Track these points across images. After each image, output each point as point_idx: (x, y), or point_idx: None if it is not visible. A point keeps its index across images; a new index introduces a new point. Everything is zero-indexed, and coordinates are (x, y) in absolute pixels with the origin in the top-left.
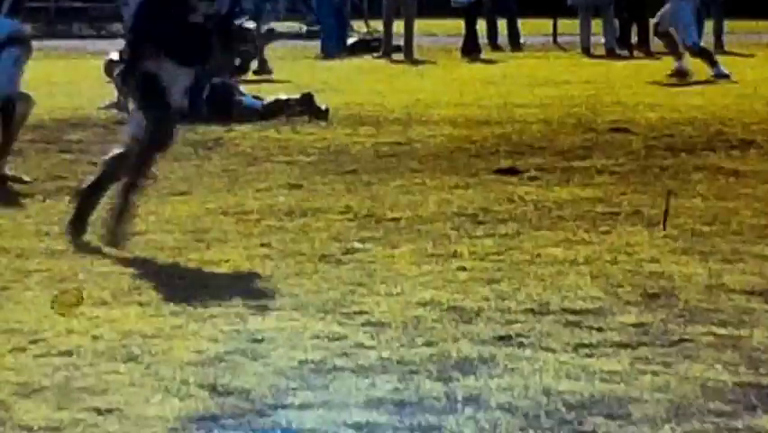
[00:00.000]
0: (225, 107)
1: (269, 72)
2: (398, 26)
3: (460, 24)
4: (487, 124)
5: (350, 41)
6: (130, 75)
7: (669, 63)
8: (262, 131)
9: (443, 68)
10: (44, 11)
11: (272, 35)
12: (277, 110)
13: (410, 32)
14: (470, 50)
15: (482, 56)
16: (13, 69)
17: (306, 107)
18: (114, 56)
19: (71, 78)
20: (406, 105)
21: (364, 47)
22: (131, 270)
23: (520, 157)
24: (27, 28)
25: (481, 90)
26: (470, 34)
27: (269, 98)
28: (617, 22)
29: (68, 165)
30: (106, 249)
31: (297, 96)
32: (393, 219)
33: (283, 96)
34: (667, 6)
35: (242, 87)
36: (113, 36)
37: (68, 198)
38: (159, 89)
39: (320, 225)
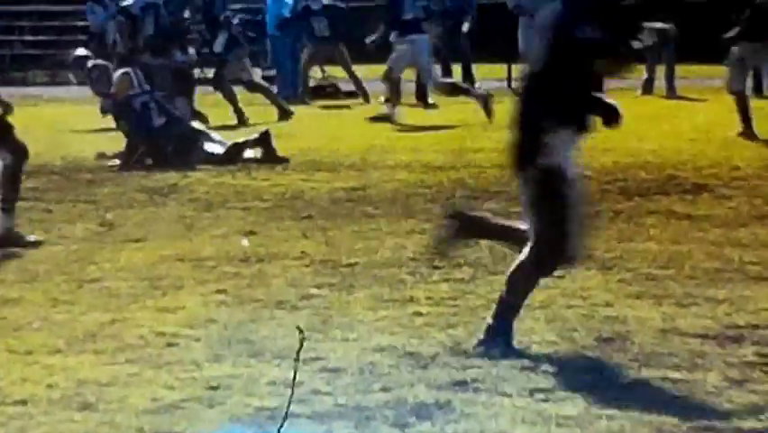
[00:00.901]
0: (190, 153)
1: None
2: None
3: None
4: (442, 169)
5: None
6: (527, 166)
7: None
8: (218, 177)
9: (400, 113)
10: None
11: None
12: (236, 154)
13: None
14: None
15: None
16: None
17: (263, 147)
18: (81, 51)
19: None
20: (361, 150)
21: (319, 93)
22: (85, 317)
23: (476, 202)
24: None
25: (438, 135)
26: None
27: (228, 143)
28: None
29: (22, 213)
30: (61, 297)
31: (255, 136)
32: (349, 265)
33: (241, 140)
34: None
35: (211, 132)
36: (67, 83)
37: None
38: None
39: (276, 270)
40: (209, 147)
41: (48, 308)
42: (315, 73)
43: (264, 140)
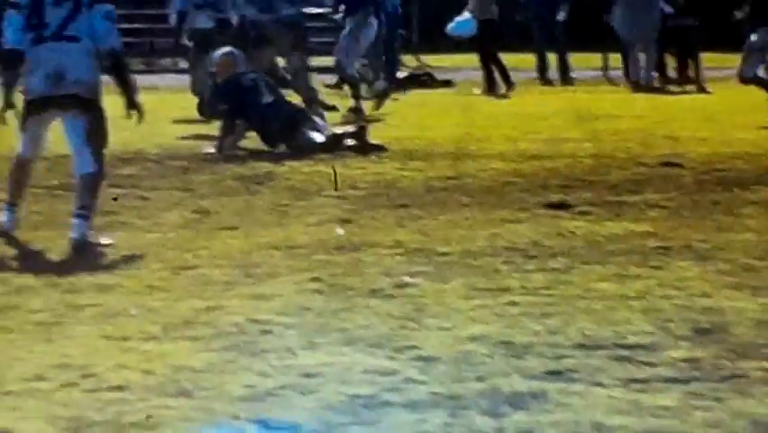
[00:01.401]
0: (293, 135)
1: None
2: (441, 60)
3: (515, 58)
4: (537, 159)
5: (400, 75)
6: None
7: (722, 96)
8: (313, 165)
9: (494, 102)
10: None
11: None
12: (335, 144)
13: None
14: (490, 87)
15: (500, 92)
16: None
17: (359, 140)
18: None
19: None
20: (456, 139)
21: (414, 81)
22: (181, 304)
23: (571, 191)
24: None
25: (532, 124)
26: (487, 70)
27: (330, 131)
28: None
29: (119, 200)
30: (157, 284)
31: (352, 129)
32: (443, 254)
33: (340, 130)
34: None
35: (317, 118)
36: (164, 71)
37: (119, 233)
38: None
39: (370, 259)
40: (311, 133)
41: (144, 295)
42: (410, 61)
43: (360, 134)
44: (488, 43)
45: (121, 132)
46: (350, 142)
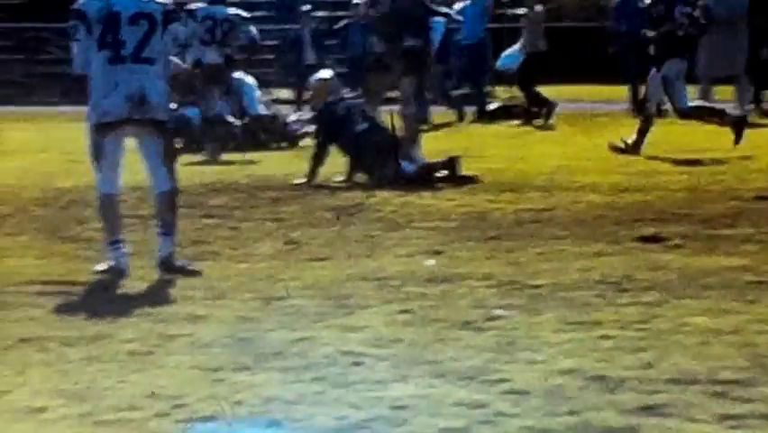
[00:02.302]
0: (386, 163)
1: None
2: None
3: (602, 90)
4: (630, 191)
5: (491, 106)
6: None
7: None
8: (403, 196)
9: (586, 134)
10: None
11: None
12: (426, 175)
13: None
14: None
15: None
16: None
17: (450, 172)
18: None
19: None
20: (547, 171)
21: (507, 113)
22: (272, 335)
23: (664, 224)
24: None
25: (625, 156)
26: (533, 99)
27: (423, 162)
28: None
29: (210, 230)
30: (248, 314)
31: (444, 160)
32: (535, 286)
33: (431, 161)
34: None
35: (411, 148)
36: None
37: (209, 263)
38: None
39: (461, 291)
40: (403, 163)
41: (235, 326)
42: (502, 93)
43: (452, 166)
44: (529, 75)
45: (212, 163)
46: (441, 173)
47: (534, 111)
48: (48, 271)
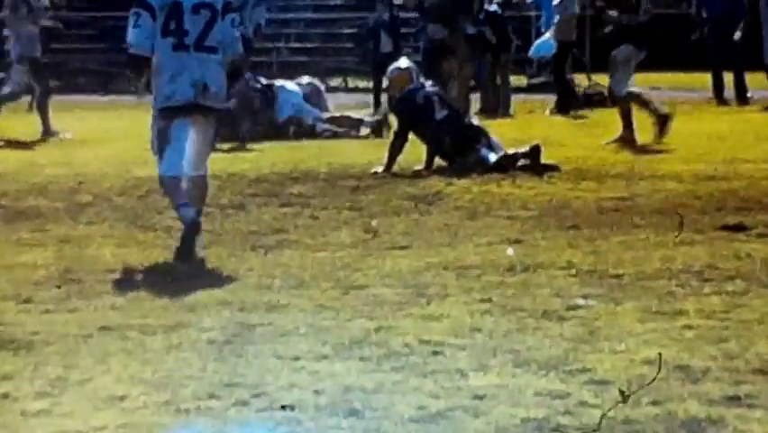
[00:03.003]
0: (466, 151)
1: None
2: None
3: (683, 78)
4: (713, 180)
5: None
6: None
7: None
8: (483, 185)
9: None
10: (267, 65)
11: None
12: (508, 165)
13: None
14: (565, 107)
15: (577, 112)
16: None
17: (533, 161)
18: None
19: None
20: (628, 159)
21: (588, 101)
22: (351, 324)
23: (748, 213)
24: None
25: (707, 145)
26: (563, 88)
27: (503, 151)
28: None
29: (289, 219)
30: (327, 303)
31: (526, 149)
32: (616, 275)
33: (511, 151)
34: None
35: (492, 137)
36: (335, 89)
37: (288, 252)
38: None
39: (541, 280)
40: (484, 151)
41: (314, 315)
42: (583, 81)
43: (534, 155)
44: (562, 64)
45: (289, 150)
46: (523, 162)
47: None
48: (127, 260)
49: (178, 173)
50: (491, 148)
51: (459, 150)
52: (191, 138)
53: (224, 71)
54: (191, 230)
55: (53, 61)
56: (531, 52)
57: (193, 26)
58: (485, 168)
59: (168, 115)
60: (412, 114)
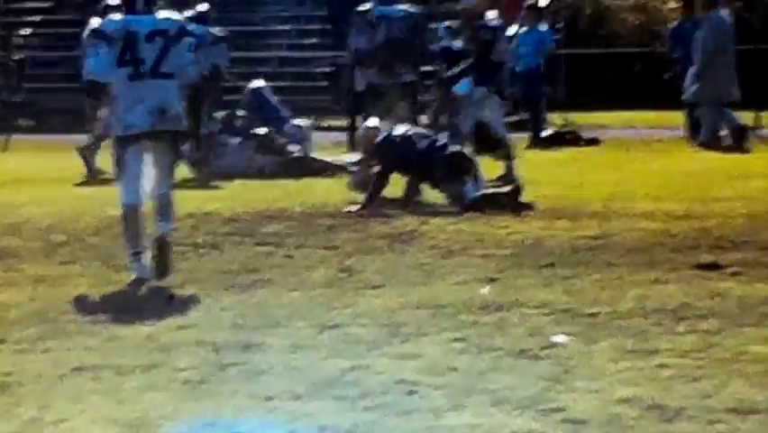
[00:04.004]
0: (454, 180)
1: None
2: (588, 118)
3: (661, 116)
4: (686, 218)
5: (544, 133)
6: None
7: None
8: (457, 223)
9: (641, 161)
10: (237, 103)
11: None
12: (488, 204)
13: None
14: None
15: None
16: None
17: (512, 201)
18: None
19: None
20: (603, 197)
21: (559, 139)
22: (326, 363)
23: (722, 252)
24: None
25: (680, 183)
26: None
27: (487, 189)
28: None
29: (263, 258)
30: (302, 342)
31: (506, 189)
32: (591, 314)
33: (491, 190)
34: None
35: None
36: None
37: (263, 291)
38: None
39: (516, 319)
40: (469, 186)
41: (289, 354)
42: (556, 119)
43: (514, 195)
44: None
45: (264, 190)
46: (504, 201)
47: (591, 139)
48: (102, 300)
49: (137, 201)
50: (477, 183)
51: (447, 177)
52: (151, 161)
53: (180, 95)
54: (139, 284)
55: (27, 101)
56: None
57: (148, 54)
58: (464, 203)
59: (125, 144)
60: (394, 154)
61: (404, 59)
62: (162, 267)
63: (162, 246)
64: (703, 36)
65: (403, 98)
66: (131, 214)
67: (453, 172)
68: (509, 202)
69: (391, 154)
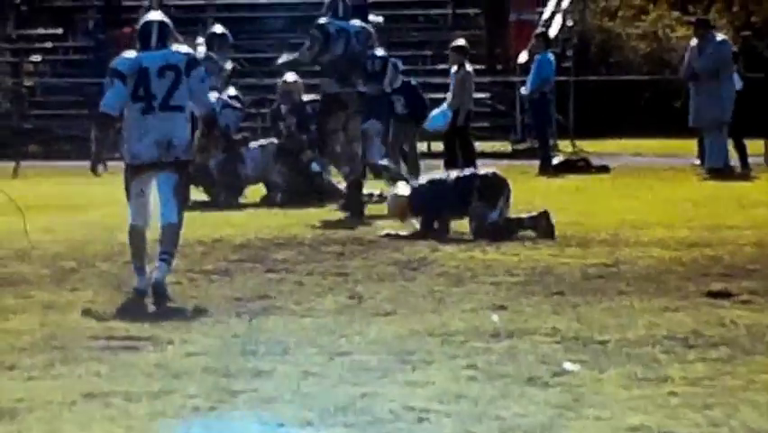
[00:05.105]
0: (463, 208)
1: None
2: (597, 146)
3: (669, 144)
4: (697, 246)
5: (555, 160)
6: None
7: None
8: (468, 251)
9: (651, 188)
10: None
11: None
12: (512, 229)
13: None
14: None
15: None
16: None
17: (540, 226)
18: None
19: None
20: (613, 225)
21: (569, 167)
22: (336, 391)
23: (732, 280)
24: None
25: (691, 211)
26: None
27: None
28: None
29: (274, 284)
30: (312, 369)
31: (534, 213)
32: (601, 342)
33: (514, 216)
34: None
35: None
36: None
37: (273, 317)
38: None
39: (526, 346)
40: (496, 211)
41: (299, 381)
42: (567, 147)
43: (543, 219)
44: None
45: (274, 216)
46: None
47: (601, 166)
48: (111, 327)
49: (140, 223)
50: (506, 207)
51: (480, 198)
52: (158, 189)
53: (189, 123)
54: (138, 295)
55: (36, 127)
56: (426, 124)
57: (159, 89)
58: (485, 227)
59: (134, 171)
60: (431, 200)
61: (359, 71)
62: (161, 308)
63: (158, 292)
64: (703, 60)
65: (361, 109)
66: (135, 234)
67: (488, 194)
68: (538, 226)
69: (429, 203)
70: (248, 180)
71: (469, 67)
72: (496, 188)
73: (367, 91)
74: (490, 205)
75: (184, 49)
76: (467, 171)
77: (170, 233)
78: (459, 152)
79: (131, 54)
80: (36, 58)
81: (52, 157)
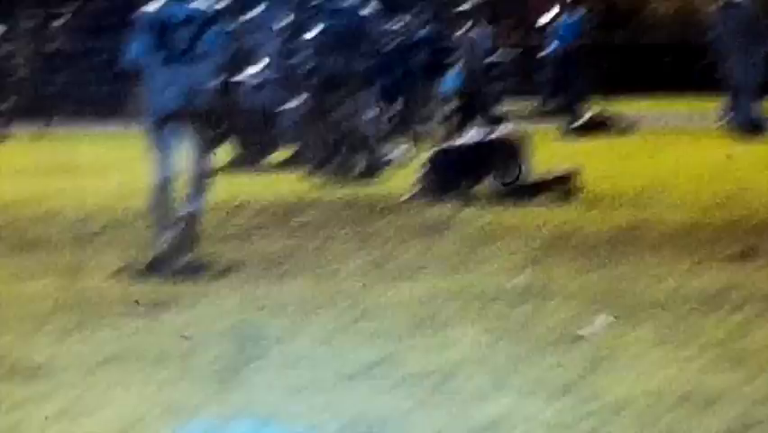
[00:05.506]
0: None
1: None
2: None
3: (696, 104)
4: (722, 207)
5: (580, 121)
6: None
7: None
8: (492, 211)
9: (678, 148)
10: None
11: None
12: (540, 191)
13: None
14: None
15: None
16: None
17: (563, 186)
18: None
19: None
20: (640, 185)
21: (597, 126)
22: (360, 353)
23: (760, 240)
24: None
25: (718, 172)
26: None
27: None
28: None
29: (297, 247)
30: (335, 332)
31: (558, 174)
32: (627, 303)
33: (539, 178)
34: None
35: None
36: None
37: (296, 280)
38: None
39: (552, 307)
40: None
41: (322, 343)
42: (592, 106)
43: (568, 179)
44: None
45: (301, 180)
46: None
47: (628, 125)
48: (136, 289)
49: (167, 176)
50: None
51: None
52: (184, 142)
53: (211, 77)
54: (158, 262)
55: (58, 92)
56: (441, 89)
57: (181, 40)
58: (517, 193)
59: (158, 125)
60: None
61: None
62: (182, 244)
63: (185, 223)
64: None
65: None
66: (159, 188)
67: (509, 154)
68: (563, 186)
69: (451, 166)
70: None
71: (479, 29)
72: (516, 148)
73: None
74: (512, 165)
75: (206, 4)
76: (486, 132)
77: (198, 180)
78: (478, 113)
79: (154, 6)
80: (59, 21)
81: (75, 120)
